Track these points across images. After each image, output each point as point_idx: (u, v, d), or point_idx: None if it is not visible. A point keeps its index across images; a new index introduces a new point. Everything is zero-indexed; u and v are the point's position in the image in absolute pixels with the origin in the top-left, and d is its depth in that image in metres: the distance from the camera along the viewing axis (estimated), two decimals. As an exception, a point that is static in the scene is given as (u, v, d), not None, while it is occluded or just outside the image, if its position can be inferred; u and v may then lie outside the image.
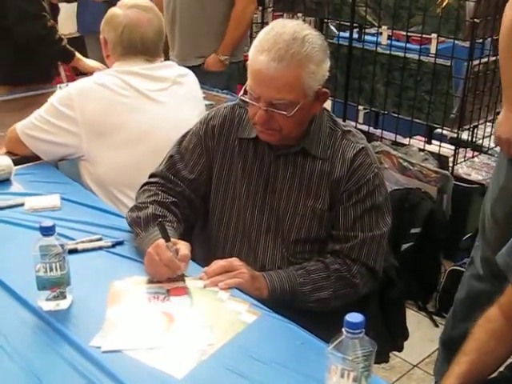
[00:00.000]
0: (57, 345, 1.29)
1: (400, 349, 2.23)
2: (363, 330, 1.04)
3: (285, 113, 1.53)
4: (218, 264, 1.55)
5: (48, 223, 1.35)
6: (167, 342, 1.31)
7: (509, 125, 2.04)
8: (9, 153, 2.21)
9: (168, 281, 1.51)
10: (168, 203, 1.70)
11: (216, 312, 1.41)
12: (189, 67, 2.46)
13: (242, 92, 1.61)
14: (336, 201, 1.66)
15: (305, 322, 1.41)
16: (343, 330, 1.04)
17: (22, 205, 1.89)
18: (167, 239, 1.50)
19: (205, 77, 3.01)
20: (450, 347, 2.32)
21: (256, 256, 1.71)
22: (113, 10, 2.15)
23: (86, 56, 4.83)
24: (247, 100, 1.59)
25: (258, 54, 1.52)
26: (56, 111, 2.05)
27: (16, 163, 2.14)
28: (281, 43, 1.50)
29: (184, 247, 1.53)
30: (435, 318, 2.94)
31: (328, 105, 4.06)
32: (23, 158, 2.18)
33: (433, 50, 3.11)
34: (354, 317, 1.04)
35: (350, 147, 1.65)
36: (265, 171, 1.69)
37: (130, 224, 1.68)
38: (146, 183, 1.78)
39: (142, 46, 2.12)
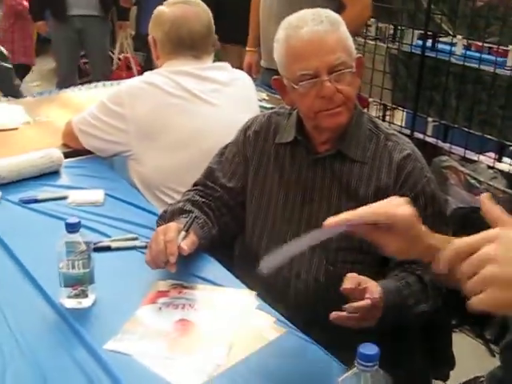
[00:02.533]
0: (71, 345, 1.26)
1: (445, 378, 2.10)
2: (377, 363, 0.96)
3: (349, 70, 1.50)
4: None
5: (73, 220, 1.33)
6: (183, 352, 1.26)
7: None
8: (64, 145, 2.25)
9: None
10: (200, 203, 1.67)
11: (239, 325, 1.35)
12: None
13: (296, 82, 1.52)
14: None
15: (335, 344, 1.33)
16: (355, 362, 0.96)
17: (65, 198, 1.89)
18: (185, 229, 1.47)
19: None
20: None
21: (291, 264, 1.62)
22: (159, 9, 2.13)
23: (149, 57, 4.93)
24: (305, 83, 1.51)
25: (297, 32, 1.51)
26: (106, 109, 2.05)
27: (68, 156, 2.16)
28: (310, 16, 1.52)
29: (190, 238, 1.50)
30: (493, 346, 2.76)
31: (400, 115, 3.93)
32: (76, 151, 2.20)
33: (510, 62, 2.94)
34: (368, 348, 0.95)
35: (397, 149, 1.58)
36: (302, 179, 1.63)
37: (156, 222, 1.68)
38: (188, 190, 1.76)
39: (191, 41, 2.09)
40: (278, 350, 1.28)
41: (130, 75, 5.61)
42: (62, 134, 2.26)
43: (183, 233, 1.48)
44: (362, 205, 1.57)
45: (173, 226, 1.50)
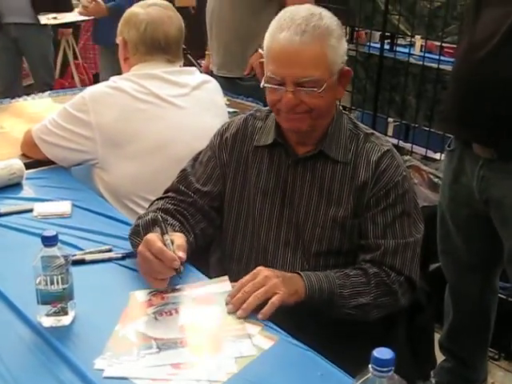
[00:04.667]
0: (55, 366, 1.18)
1: (427, 377, 2.10)
2: (392, 368, 0.92)
3: (314, 89, 1.44)
4: (243, 291, 1.36)
5: (50, 232, 1.25)
6: (176, 372, 1.18)
7: None
8: (23, 155, 2.14)
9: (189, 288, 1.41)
10: (172, 211, 1.60)
11: (229, 336, 1.28)
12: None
13: (263, 82, 1.51)
14: (362, 207, 1.55)
15: (326, 347, 1.29)
16: (370, 367, 0.91)
17: (30, 211, 1.80)
18: (163, 231, 1.39)
19: (244, 90, 2.92)
20: None
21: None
22: (132, 10, 2.07)
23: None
24: (270, 86, 1.49)
25: (278, 34, 1.46)
26: (70, 116, 1.97)
27: (29, 167, 2.06)
28: (299, 19, 1.46)
29: (178, 237, 1.42)
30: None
31: (356, 116, 3.95)
32: (37, 161, 2.10)
33: (468, 61, 2.97)
34: (383, 353, 0.91)
35: (375, 150, 1.56)
36: (282, 181, 1.59)
37: (129, 237, 1.58)
38: (157, 199, 1.68)
39: (166, 44, 2.03)
40: (275, 360, 1.22)
41: (73, 84, 5.41)
42: (21, 144, 2.16)
43: (167, 237, 1.39)
44: (342, 208, 1.56)
45: (151, 237, 1.40)
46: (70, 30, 5.34)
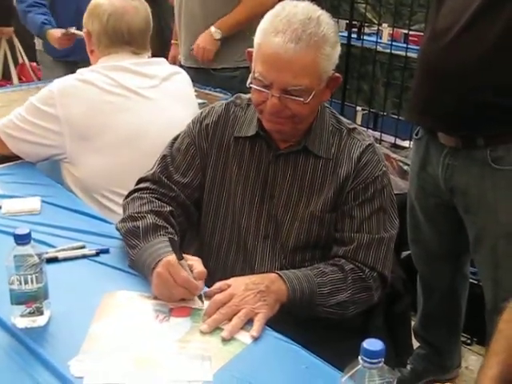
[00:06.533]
0: (31, 368, 1.14)
1: (404, 365, 2.11)
2: (382, 360, 0.91)
3: (301, 99, 1.41)
4: (219, 313, 1.31)
5: (23, 230, 1.21)
6: (156, 374, 1.15)
7: None
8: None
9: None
10: (166, 213, 1.54)
11: (212, 334, 1.26)
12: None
13: (249, 80, 1.48)
14: (340, 201, 1.54)
15: (306, 340, 1.28)
16: (360, 358, 0.90)
17: (-2, 208, 1.74)
18: (180, 256, 1.34)
19: (216, 81, 2.88)
20: None
21: (252, 266, 1.58)
22: (96, 0, 2.01)
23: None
24: (257, 87, 1.45)
25: (272, 37, 1.40)
26: (37, 110, 1.91)
27: (-6, 162, 2.00)
28: (296, 23, 1.40)
29: (198, 263, 1.38)
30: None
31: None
32: (3, 156, 2.04)
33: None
34: (373, 344, 0.90)
35: (357, 145, 1.55)
36: (262, 173, 1.57)
37: (124, 235, 1.52)
38: (136, 190, 1.62)
39: (129, 36, 1.98)
40: (258, 354, 1.21)
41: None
42: (-14, 140, 2.09)
43: (184, 262, 1.35)
44: (322, 203, 1.55)
45: (173, 262, 1.33)
46: (11, 29, 4.94)
